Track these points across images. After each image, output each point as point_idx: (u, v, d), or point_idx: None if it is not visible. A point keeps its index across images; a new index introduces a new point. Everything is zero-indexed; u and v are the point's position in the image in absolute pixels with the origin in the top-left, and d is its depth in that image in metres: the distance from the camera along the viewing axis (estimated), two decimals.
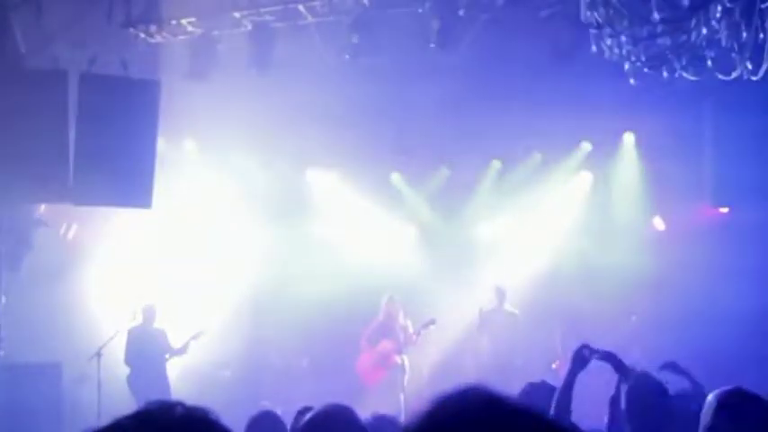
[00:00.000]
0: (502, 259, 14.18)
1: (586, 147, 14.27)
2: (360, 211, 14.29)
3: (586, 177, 14.38)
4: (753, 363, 10.83)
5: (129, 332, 12.10)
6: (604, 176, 14.11)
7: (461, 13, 10.62)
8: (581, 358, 5.36)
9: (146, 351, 11.95)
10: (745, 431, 3.94)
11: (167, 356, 12.12)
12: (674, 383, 5.35)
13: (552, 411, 5.18)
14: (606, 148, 14.10)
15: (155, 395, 8.82)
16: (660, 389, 4.95)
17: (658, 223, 14.17)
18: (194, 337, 12.13)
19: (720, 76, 7.75)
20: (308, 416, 3.97)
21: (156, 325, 12.23)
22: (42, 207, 11.91)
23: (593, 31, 7.73)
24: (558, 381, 6.34)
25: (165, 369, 12.14)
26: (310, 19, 10.98)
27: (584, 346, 5.42)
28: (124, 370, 11.92)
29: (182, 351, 12.11)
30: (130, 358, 11.98)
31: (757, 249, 12.62)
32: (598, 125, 13.28)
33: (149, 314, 12.21)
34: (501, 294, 13.19)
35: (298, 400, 9.15)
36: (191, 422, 1.61)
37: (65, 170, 10.31)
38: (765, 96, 9.86)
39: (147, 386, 11.46)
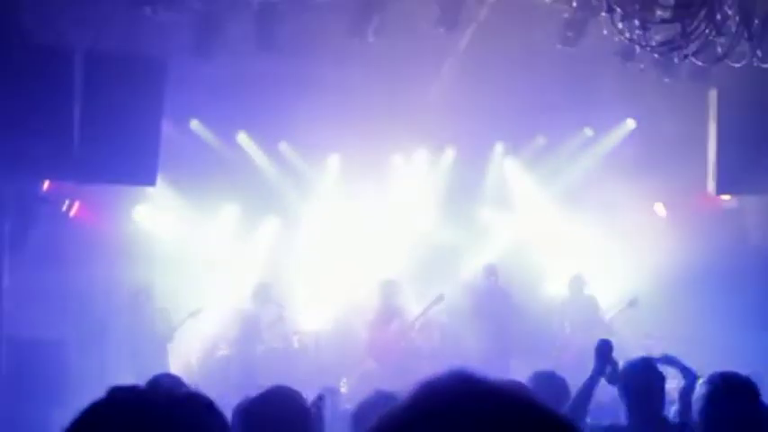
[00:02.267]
0: (504, 242, 14.22)
1: (588, 132, 14.29)
2: (363, 193, 14.24)
3: (588, 162, 14.38)
4: (754, 351, 10.88)
5: (133, 310, 12.20)
6: (605, 161, 14.11)
7: None
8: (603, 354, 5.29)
9: (147, 330, 12.06)
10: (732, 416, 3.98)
11: (170, 338, 12.25)
12: None
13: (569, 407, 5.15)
14: (608, 133, 14.11)
15: (155, 372, 8.87)
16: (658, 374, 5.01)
17: (660, 210, 14.20)
18: (192, 315, 12.34)
19: (730, 63, 7.76)
20: (250, 399, 3.81)
21: (158, 304, 12.34)
22: (46, 184, 11.87)
23: (604, 14, 7.72)
24: (561, 370, 6.34)
25: (165, 348, 12.28)
26: None
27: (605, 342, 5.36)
28: (127, 348, 12.00)
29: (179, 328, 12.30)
30: (132, 337, 12.06)
31: (759, 237, 12.67)
32: (601, 110, 13.30)
33: (150, 293, 12.32)
34: (491, 272, 12.99)
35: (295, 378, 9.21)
36: (175, 406, 1.69)
37: (69, 147, 10.27)
38: None
39: (147, 364, 11.51)
